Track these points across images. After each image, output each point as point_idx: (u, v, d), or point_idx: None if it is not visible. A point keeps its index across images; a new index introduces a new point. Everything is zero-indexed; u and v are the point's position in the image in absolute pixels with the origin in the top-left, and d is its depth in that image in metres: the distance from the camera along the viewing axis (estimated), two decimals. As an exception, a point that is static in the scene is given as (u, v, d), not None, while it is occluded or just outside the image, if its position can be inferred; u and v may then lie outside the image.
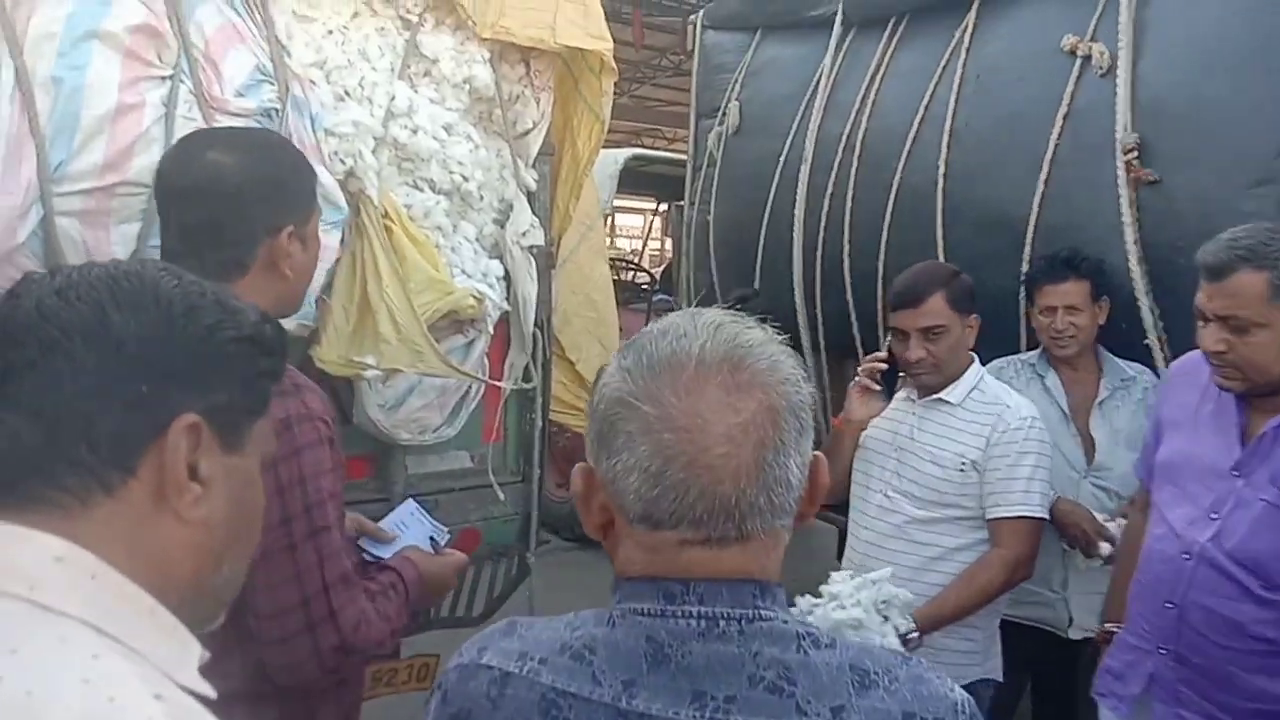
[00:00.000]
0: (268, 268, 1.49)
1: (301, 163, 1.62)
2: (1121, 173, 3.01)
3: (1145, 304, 2.94)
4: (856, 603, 2.16)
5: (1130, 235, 2.97)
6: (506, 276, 2.81)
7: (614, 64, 2.94)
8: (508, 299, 2.81)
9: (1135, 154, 2.99)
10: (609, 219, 14.59)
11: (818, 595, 2.25)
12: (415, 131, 2.47)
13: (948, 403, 2.50)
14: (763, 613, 0.86)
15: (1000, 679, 2.51)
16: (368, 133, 2.38)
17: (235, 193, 1.45)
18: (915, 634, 2.21)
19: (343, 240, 2.38)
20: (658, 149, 12.17)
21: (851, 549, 2.57)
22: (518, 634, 0.93)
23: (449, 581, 1.91)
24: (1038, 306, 2.84)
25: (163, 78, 2.06)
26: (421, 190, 2.51)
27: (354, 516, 1.80)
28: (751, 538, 0.85)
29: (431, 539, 1.95)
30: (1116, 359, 2.90)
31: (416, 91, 2.56)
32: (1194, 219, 2.85)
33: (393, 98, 2.45)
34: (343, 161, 2.33)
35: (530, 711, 0.86)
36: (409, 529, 1.88)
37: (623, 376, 0.87)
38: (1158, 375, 2.94)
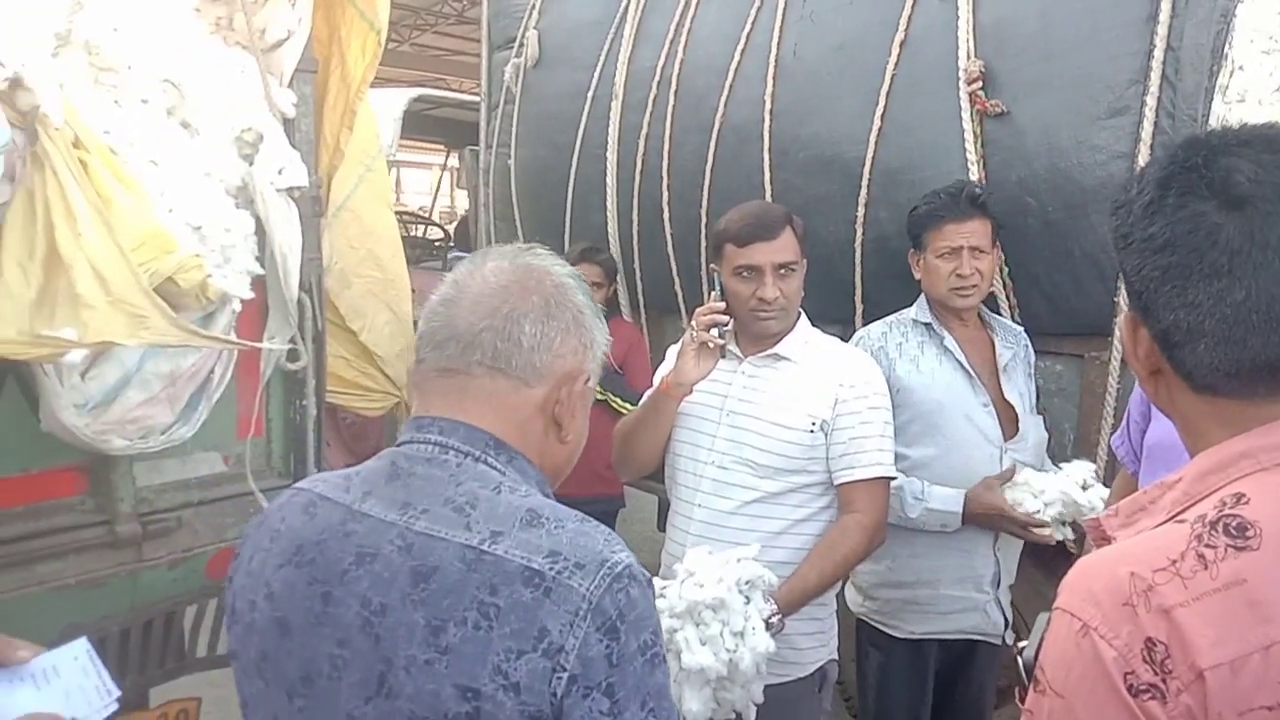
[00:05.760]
0: None
1: None
2: (965, 105, 2.78)
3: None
4: (719, 580, 1.93)
5: (976, 174, 2.76)
6: (259, 227, 2.21)
7: (391, -43, 2.39)
8: (261, 257, 2.21)
9: (980, 84, 2.76)
10: (392, 172, 13.72)
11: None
12: (116, 29, 1.83)
13: (784, 358, 2.23)
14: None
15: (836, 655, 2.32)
16: (45, 27, 1.74)
17: None
18: (778, 616, 1.98)
19: (11, 178, 1.72)
20: (445, 98, 11.39)
21: (684, 530, 2.25)
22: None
23: None
24: (932, 250, 2.46)
25: None
26: (125, 109, 1.87)
27: None
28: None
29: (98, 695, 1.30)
30: (996, 315, 2.66)
31: (118, -24, 1.92)
32: (1043, 154, 2.66)
33: (82, -19, 1.81)
34: (2, 64, 1.68)
35: (297, 510, 1.09)
36: (61, 679, 1.24)
37: None
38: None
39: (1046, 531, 2.31)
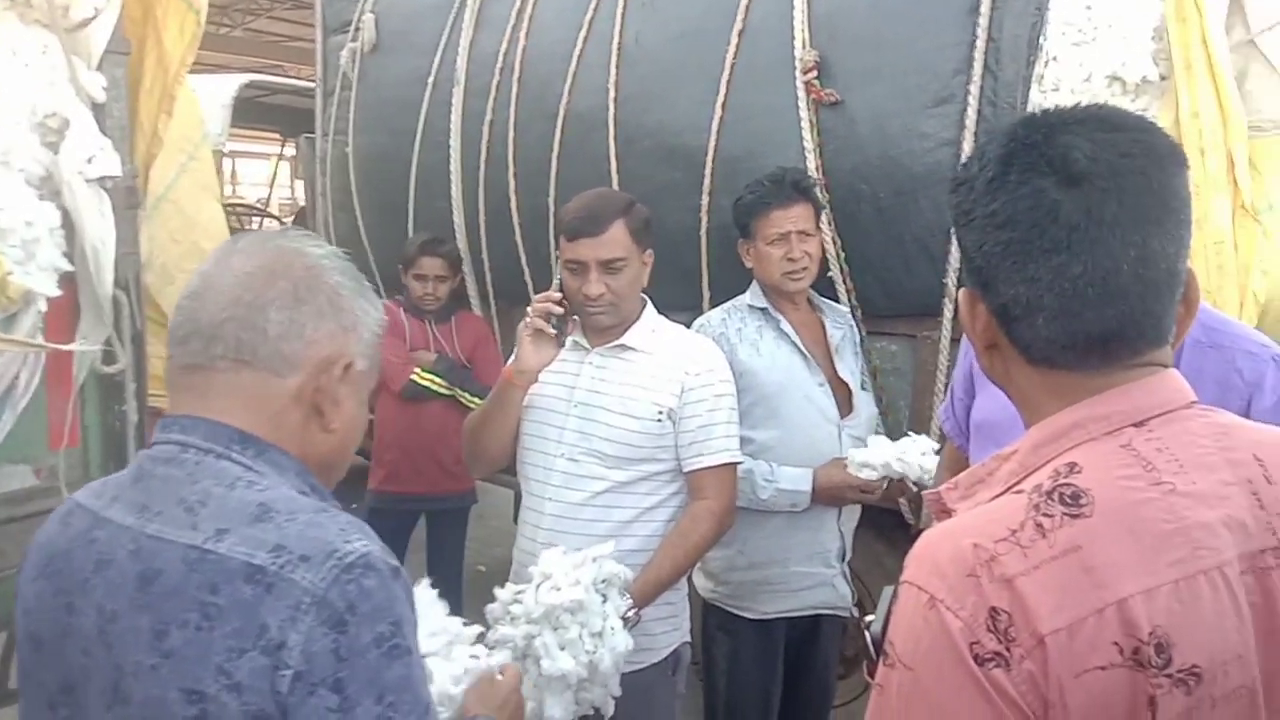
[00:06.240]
0: None
1: None
2: (801, 94, 2.83)
3: (829, 234, 2.80)
4: (575, 582, 1.90)
5: (813, 162, 2.82)
6: (67, 220, 2.05)
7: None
8: (70, 253, 2.05)
9: (815, 73, 2.83)
10: (227, 163, 13.06)
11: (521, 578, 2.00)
12: (-112, 4, 1.67)
13: (630, 348, 2.23)
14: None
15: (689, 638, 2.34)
16: None
17: None
18: (634, 611, 1.99)
19: None
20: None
21: (534, 525, 2.22)
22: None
23: None
24: (761, 237, 2.49)
25: None
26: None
27: None
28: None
29: None
30: (820, 296, 2.72)
31: (-113, -55, 1.74)
32: (875, 142, 2.74)
33: None
34: None
35: (57, 520, 1.06)
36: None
37: None
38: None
39: (881, 491, 2.42)
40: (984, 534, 0.81)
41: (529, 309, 2.16)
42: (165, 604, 0.93)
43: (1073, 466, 0.84)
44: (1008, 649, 0.76)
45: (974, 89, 2.55)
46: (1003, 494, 0.87)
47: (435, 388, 3.44)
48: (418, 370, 3.43)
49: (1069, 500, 0.81)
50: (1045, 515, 0.81)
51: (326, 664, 0.90)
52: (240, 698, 0.89)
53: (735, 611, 2.54)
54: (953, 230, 0.96)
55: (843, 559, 2.57)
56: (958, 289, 2.61)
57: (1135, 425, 0.86)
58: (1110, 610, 0.77)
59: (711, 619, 2.60)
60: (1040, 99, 2.48)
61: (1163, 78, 2.42)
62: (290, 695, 0.89)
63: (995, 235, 0.88)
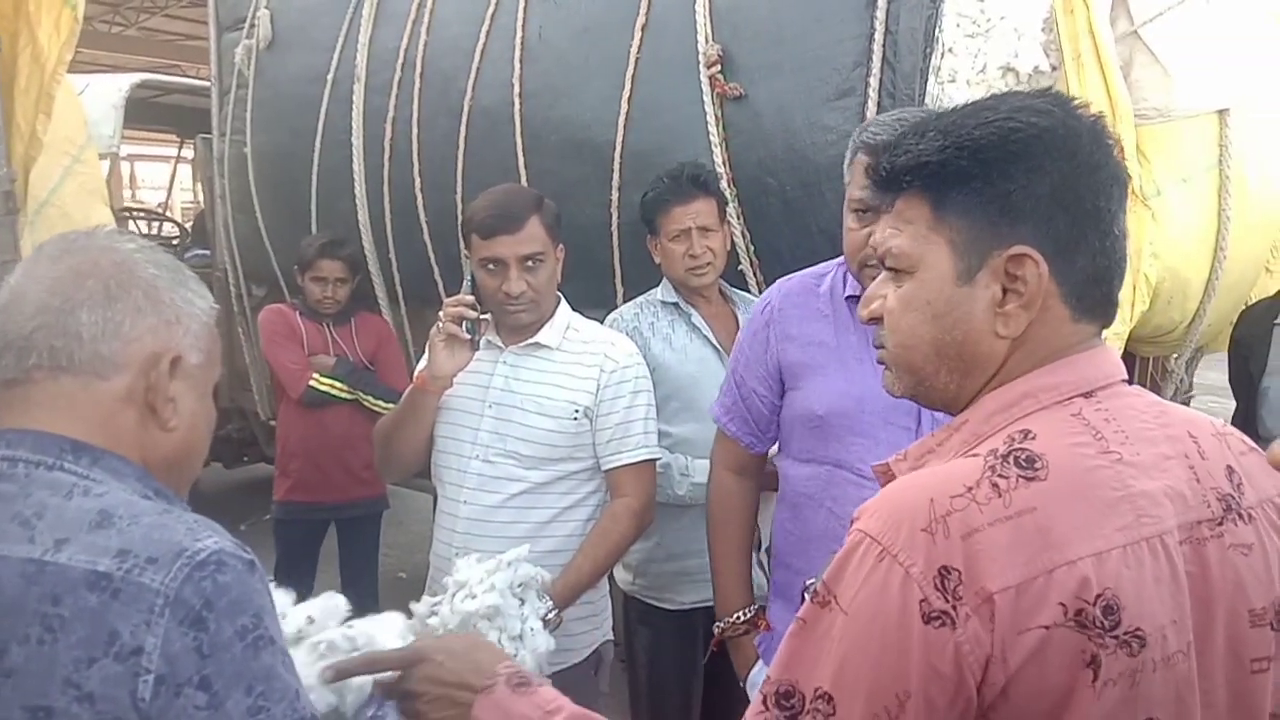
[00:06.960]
0: None
1: None
2: (706, 88, 2.84)
3: (739, 228, 2.82)
4: (491, 588, 1.86)
5: (719, 156, 2.83)
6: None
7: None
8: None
9: (719, 67, 2.83)
10: (126, 166, 12.59)
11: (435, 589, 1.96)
12: None
13: (545, 346, 2.21)
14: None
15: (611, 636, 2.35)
16: None
17: None
18: (554, 613, 1.97)
19: None
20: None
21: (449, 529, 2.20)
22: None
23: None
24: (665, 234, 2.51)
25: None
26: None
27: None
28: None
29: None
30: (732, 288, 2.73)
31: None
32: (779, 135, 2.76)
33: None
34: None
35: None
36: None
37: None
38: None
39: None
40: (940, 490, 0.83)
41: (441, 313, 2.12)
42: (3, 621, 0.89)
43: (1027, 433, 0.87)
44: (954, 608, 0.78)
45: (873, 81, 2.58)
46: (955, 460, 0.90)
47: (337, 393, 3.37)
48: (317, 376, 3.36)
49: (1024, 463, 0.84)
50: (1001, 476, 0.83)
51: (190, 663, 0.88)
52: (93, 708, 0.87)
53: (654, 603, 2.54)
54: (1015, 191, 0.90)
55: (759, 548, 2.59)
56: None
57: (1084, 395, 0.90)
58: (1061, 571, 0.79)
59: (632, 612, 2.60)
60: (938, 91, 2.52)
61: (1054, 68, 2.49)
62: (155, 700, 0.87)
63: (1105, 193, 0.91)
